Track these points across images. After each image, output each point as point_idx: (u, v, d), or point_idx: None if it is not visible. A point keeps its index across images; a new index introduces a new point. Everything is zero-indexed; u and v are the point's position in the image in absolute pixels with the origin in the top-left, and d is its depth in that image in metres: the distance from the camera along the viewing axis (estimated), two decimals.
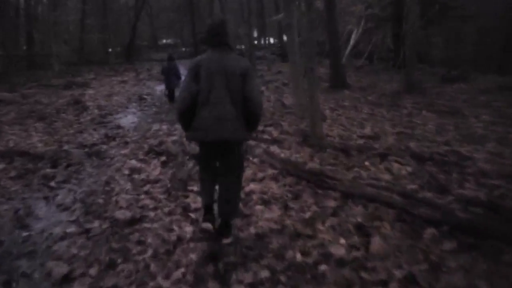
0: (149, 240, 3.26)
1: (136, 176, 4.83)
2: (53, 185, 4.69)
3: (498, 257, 2.78)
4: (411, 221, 3.32)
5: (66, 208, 4.07)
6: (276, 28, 29.50)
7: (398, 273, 2.64)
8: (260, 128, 6.61)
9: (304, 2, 6.00)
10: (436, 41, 20.74)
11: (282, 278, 2.65)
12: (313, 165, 4.71)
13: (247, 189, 4.11)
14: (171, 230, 3.39)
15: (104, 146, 6.31)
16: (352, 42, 18.76)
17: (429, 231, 3.10)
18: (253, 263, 2.83)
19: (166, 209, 3.81)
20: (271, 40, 34.37)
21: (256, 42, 28.45)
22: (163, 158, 5.34)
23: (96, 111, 9.30)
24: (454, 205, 3.56)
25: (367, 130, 6.58)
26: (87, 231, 3.51)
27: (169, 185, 4.36)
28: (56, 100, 10.58)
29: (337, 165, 4.73)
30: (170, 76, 10.48)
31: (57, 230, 3.55)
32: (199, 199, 3.93)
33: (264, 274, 2.68)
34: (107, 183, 4.68)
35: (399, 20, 17.06)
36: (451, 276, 2.60)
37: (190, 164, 4.93)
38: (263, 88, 11.80)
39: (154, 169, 5.03)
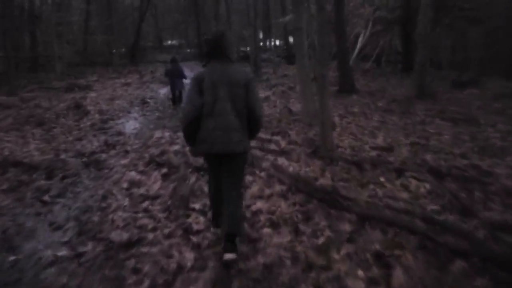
0: (146, 268, 2.95)
1: (135, 190, 4.53)
2: (47, 200, 4.40)
3: None
4: (435, 249, 3.00)
5: (58, 227, 3.78)
6: (282, 30, 29.18)
7: None
8: (267, 137, 6.32)
9: (315, 3, 5.68)
10: (444, 44, 20.36)
11: None
12: (325, 180, 4.40)
13: (253, 207, 3.80)
14: (170, 256, 3.09)
15: (103, 155, 6.03)
16: (359, 44, 18.45)
17: (458, 264, 2.77)
18: None
19: (165, 231, 3.50)
20: (277, 42, 34.07)
21: (261, 44, 28.14)
22: (165, 170, 5.04)
23: (97, 116, 9.03)
24: (481, 230, 3.24)
25: (380, 140, 6.26)
26: (80, 255, 3.21)
27: (169, 202, 4.06)
28: (57, 104, 10.31)
29: (350, 181, 4.42)
30: (173, 79, 10.30)
31: (47, 254, 3.26)
32: (201, 219, 3.66)
33: None
34: (104, 198, 4.39)
35: (408, 22, 16.76)
36: None
37: (193, 178, 4.62)
38: (268, 93, 11.51)
39: (154, 182, 4.73)
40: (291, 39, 28.35)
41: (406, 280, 2.68)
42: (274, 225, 3.44)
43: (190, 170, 4.91)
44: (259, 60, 16.95)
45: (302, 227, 3.39)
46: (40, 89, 12.60)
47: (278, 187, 4.21)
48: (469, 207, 3.70)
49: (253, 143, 6.01)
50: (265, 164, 4.81)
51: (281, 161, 5.10)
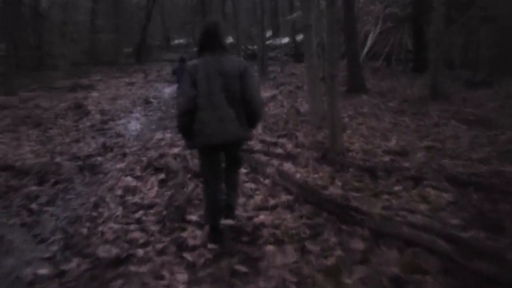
0: None
1: (129, 198, 4.20)
2: (34, 208, 4.10)
3: None
4: (460, 273, 2.62)
5: (43, 240, 3.48)
6: (289, 28, 28.75)
7: None
8: (272, 139, 5.96)
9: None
10: (455, 42, 19.80)
11: None
12: (335, 189, 4.03)
13: (256, 220, 3.45)
14: (161, 277, 2.75)
15: (100, 158, 5.72)
16: (369, 42, 18.02)
17: None
18: None
19: (158, 246, 3.16)
20: (285, 40, 33.68)
21: (269, 42, 27.75)
22: (162, 175, 4.71)
23: (97, 116, 8.73)
24: None
25: (392, 144, 5.88)
26: (62, 274, 2.89)
27: (164, 213, 3.72)
28: (57, 104, 10.03)
29: (363, 190, 4.04)
30: (181, 77, 10.04)
31: (27, 272, 2.94)
32: (197, 233, 3.31)
33: None
34: (96, 206, 4.08)
35: (419, 20, 16.28)
36: None
37: (191, 185, 4.28)
38: (275, 92, 11.14)
39: (150, 189, 4.40)
40: (299, 37, 27.96)
41: None
42: (279, 242, 3.08)
43: (189, 176, 4.57)
44: (266, 59, 16.57)
45: (309, 245, 3.02)
46: (42, 89, 12.34)
47: (283, 197, 3.86)
48: (496, 222, 3.31)
49: (257, 146, 5.68)
50: (269, 170, 4.45)
51: (287, 166, 4.74)
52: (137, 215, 3.77)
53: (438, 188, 4.07)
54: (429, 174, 4.47)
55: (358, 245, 2.99)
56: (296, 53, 24.71)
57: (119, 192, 4.38)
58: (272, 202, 3.77)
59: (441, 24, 10.01)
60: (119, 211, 3.90)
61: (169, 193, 4.16)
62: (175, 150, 5.61)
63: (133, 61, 25.08)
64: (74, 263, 3.03)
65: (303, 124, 7.04)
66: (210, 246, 3.07)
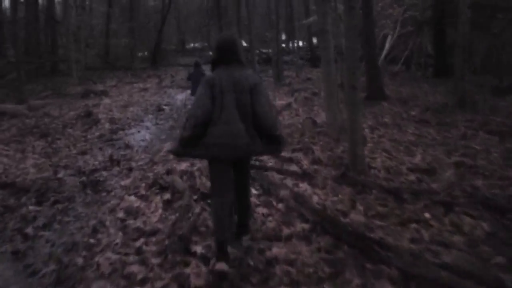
0: None
1: (131, 221, 3.86)
2: (29, 233, 3.79)
3: None
4: None
5: (34, 272, 3.16)
6: (305, 31, 28.33)
7: None
8: (286, 155, 5.57)
9: (344, 3, 4.91)
10: (477, 46, 19.08)
11: None
12: (356, 216, 3.62)
13: (268, 254, 3.07)
14: None
15: (105, 173, 5.43)
16: (387, 46, 17.49)
17: None
18: None
19: (157, 284, 2.81)
20: (300, 44, 33.28)
21: (284, 46, 27.36)
22: (167, 195, 4.36)
23: (107, 125, 8.47)
24: None
25: (418, 159, 5.43)
26: None
27: (167, 242, 3.37)
28: (67, 112, 9.83)
29: (388, 217, 3.62)
30: (196, 83, 9.80)
31: None
32: (202, 269, 2.94)
33: None
34: (95, 231, 3.75)
35: (440, 23, 15.70)
36: None
37: (197, 208, 3.92)
38: (290, 99, 10.74)
39: (154, 211, 4.05)
40: (314, 41, 27.50)
41: None
42: (294, 283, 2.70)
43: (195, 197, 4.21)
44: (281, 63, 16.17)
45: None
46: (54, 96, 12.18)
47: (299, 225, 3.46)
48: None
49: (270, 162, 5.30)
50: (283, 193, 4.06)
51: (303, 187, 4.34)
52: (138, 243, 3.42)
53: (473, 216, 3.63)
54: (462, 197, 4.03)
55: None
56: (312, 57, 24.31)
57: (120, 214, 4.05)
58: (286, 231, 3.38)
59: (467, 28, 9.48)
60: (119, 237, 3.56)
61: (173, 217, 3.81)
62: (183, 166, 5.26)
63: (148, 66, 25.00)
64: None
65: (320, 136, 6.62)
66: (218, 266, 2.81)
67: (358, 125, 4.79)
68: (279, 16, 17.84)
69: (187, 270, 2.93)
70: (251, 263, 2.96)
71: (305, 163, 5.23)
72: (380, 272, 2.76)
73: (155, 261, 3.12)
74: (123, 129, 8.27)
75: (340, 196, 4.11)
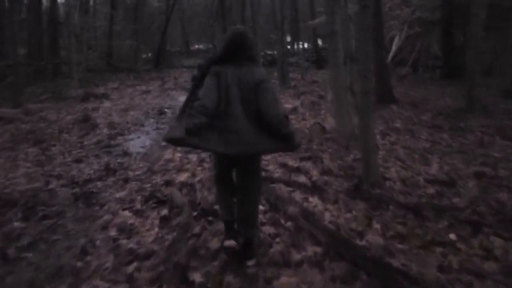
0: None
1: (124, 241, 3.51)
2: (11, 254, 3.44)
3: None
4: None
5: None
6: (310, 33, 27.94)
7: None
8: (294, 163, 5.21)
9: (358, 2, 4.54)
10: (487, 48, 18.62)
11: None
12: (373, 237, 3.25)
13: (276, 284, 2.70)
14: None
15: (99, 184, 5.07)
16: (394, 48, 17.11)
17: None
18: None
19: None
20: (306, 45, 32.85)
21: (289, 47, 26.98)
22: (165, 211, 4.00)
23: (105, 130, 8.12)
24: None
25: (435, 169, 5.05)
26: None
27: (162, 268, 3.01)
28: (65, 116, 9.48)
29: (408, 239, 3.24)
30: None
31: None
32: None
33: None
34: (83, 252, 3.39)
35: (450, 24, 15.29)
36: None
37: (197, 227, 3.56)
38: (296, 103, 10.37)
39: (149, 229, 3.70)
40: (320, 43, 27.13)
41: None
42: None
43: (195, 214, 3.85)
44: (286, 65, 15.76)
45: None
46: (53, 99, 11.85)
47: (310, 249, 3.09)
48: None
49: (277, 173, 4.94)
50: (292, 209, 3.68)
51: (314, 201, 3.97)
52: (130, 268, 3.06)
53: (504, 237, 3.25)
54: (488, 215, 3.65)
55: None
56: (317, 59, 23.95)
57: (113, 232, 3.69)
58: (296, 256, 3.01)
59: (479, 29, 9.09)
60: (110, 260, 3.21)
61: (170, 237, 3.45)
62: (183, 177, 4.91)
63: (151, 67, 24.69)
64: None
65: (329, 143, 6.24)
66: (227, 243, 2.98)
67: (371, 133, 4.42)
68: (284, 17, 17.44)
69: None
70: None
71: (315, 173, 4.85)
72: None
73: None
74: (122, 135, 7.92)
75: (354, 212, 3.74)
